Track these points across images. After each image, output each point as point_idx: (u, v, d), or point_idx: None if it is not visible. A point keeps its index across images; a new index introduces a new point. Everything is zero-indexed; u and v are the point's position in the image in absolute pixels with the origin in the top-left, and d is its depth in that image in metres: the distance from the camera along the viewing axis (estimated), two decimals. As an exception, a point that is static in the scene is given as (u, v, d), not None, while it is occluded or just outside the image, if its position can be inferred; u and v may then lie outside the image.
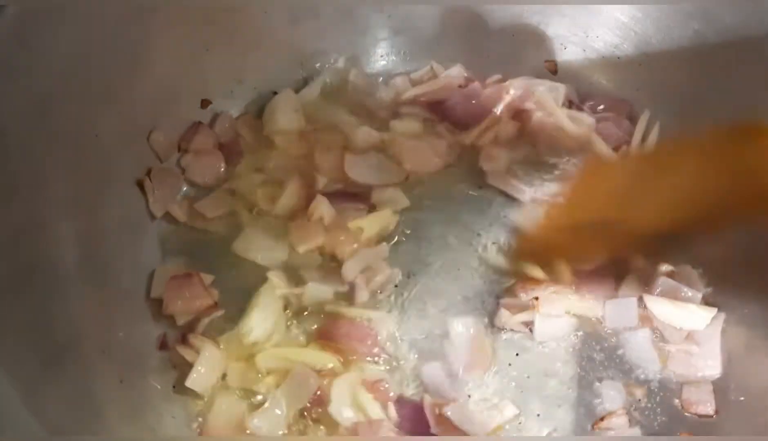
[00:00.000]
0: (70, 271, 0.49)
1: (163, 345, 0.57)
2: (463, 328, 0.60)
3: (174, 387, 0.56)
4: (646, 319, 0.63)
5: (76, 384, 0.43)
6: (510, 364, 0.59)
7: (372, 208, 0.65)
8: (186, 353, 0.55)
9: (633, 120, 0.72)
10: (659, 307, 0.61)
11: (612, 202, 0.61)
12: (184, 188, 0.66)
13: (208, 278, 0.61)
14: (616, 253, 0.65)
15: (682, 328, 0.61)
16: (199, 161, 0.66)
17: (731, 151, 0.56)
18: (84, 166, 0.53)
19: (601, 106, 0.74)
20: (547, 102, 0.72)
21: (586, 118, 0.72)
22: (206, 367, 0.55)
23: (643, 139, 0.71)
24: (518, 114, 0.73)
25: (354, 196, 0.65)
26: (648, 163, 0.64)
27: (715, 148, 0.57)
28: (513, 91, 0.73)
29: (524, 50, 0.75)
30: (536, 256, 0.64)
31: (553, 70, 0.75)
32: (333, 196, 0.64)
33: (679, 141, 0.65)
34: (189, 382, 0.55)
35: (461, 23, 0.74)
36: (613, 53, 0.72)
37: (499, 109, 0.72)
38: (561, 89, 0.74)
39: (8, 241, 0.43)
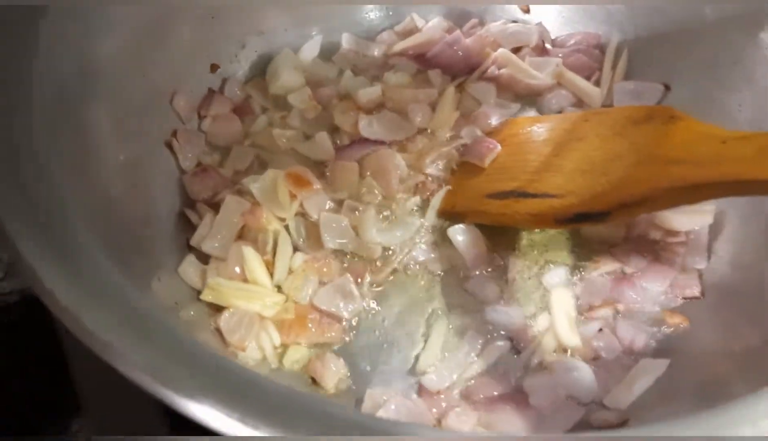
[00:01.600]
0: (124, 215, 0.56)
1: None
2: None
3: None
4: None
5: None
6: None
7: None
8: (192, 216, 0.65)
9: (603, 51, 0.81)
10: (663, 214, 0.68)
11: (529, 170, 0.67)
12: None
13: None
14: (540, 226, 0.68)
15: (681, 231, 0.67)
16: (218, 125, 0.73)
17: (642, 131, 0.61)
18: (124, 124, 0.60)
19: (572, 41, 0.82)
20: (510, 60, 0.79)
21: (552, 60, 0.80)
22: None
23: (614, 66, 0.80)
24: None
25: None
26: (564, 130, 0.69)
27: (628, 124, 0.63)
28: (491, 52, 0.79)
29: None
30: (456, 216, 0.70)
31: (525, 10, 0.84)
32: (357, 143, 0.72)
33: (594, 113, 0.72)
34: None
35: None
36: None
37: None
38: (533, 30, 0.82)
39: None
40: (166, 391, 0.30)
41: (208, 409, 0.30)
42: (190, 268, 0.62)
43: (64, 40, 0.52)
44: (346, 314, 0.63)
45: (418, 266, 0.68)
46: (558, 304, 0.65)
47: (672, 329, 0.64)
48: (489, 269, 0.67)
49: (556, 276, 0.67)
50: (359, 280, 0.65)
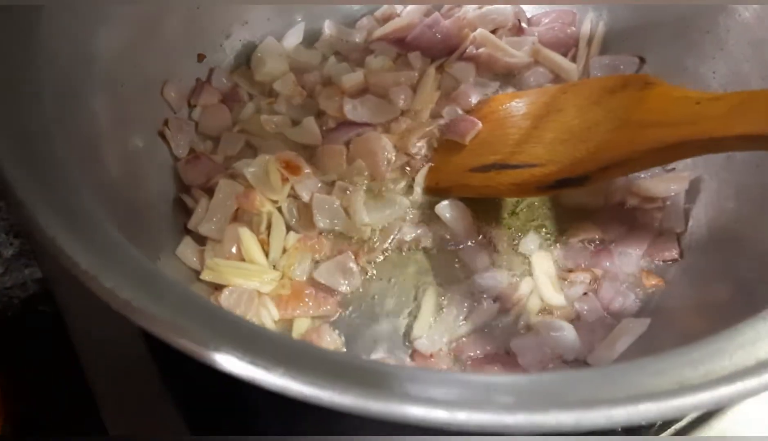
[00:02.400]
0: (125, 203, 0.60)
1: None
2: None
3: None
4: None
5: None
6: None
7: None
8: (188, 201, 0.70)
9: (578, 27, 0.85)
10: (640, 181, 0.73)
11: (509, 143, 0.71)
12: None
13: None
14: (522, 195, 0.74)
15: (658, 197, 0.72)
16: (208, 115, 0.78)
17: (618, 98, 0.64)
18: (121, 114, 0.64)
19: (548, 19, 0.87)
20: (488, 39, 0.84)
21: (528, 39, 0.85)
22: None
23: (589, 41, 0.84)
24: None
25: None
26: (543, 103, 0.73)
27: (604, 93, 0.67)
28: (470, 33, 0.84)
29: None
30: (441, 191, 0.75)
31: (501, -7, 0.88)
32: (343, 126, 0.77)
33: (572, 85, 0.77)
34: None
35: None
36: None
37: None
38: (509, 10, 0.86)
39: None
40: (183, 341, 0.35)
41: (222, 355, 0.34)
42: (187, 249, 0.67)
43: (63, 34, 0.56)
44: (344, 289, 0.68)
45: (408, 244, 0.72)
46: (538, 265, 0.70)
47: (652, 290, 0.69)
48: (478, 240, 0.72)
49: (531, 243, 0.72)
50: (355, 257, 0.70)
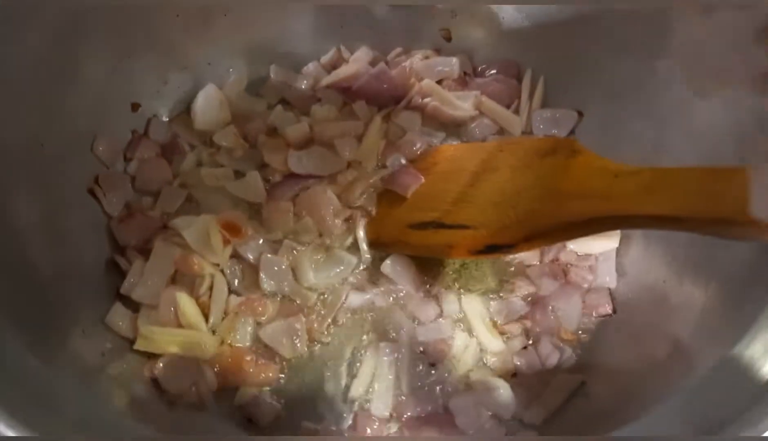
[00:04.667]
0: (41, 271, 0.58)
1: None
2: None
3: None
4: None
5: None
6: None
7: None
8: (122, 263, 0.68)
9: (521, 79, 0.88)
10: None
11: (448, 200, 0.72)
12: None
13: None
14: (455, 256, 0.73)
15: (591, 254, 0.75)
16: (146, 169, 0.76)
17: (548, 164, 0.65)
18: (36, 176, 0.61)
19: (493, 70, 0.89)
20: (434, 90, 0.86)
21: (471, 93, 0.86)
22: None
23: (531, 95, 0.87)
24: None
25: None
26: (480, 160, 0.75)
27: (536, 157, 0.68)
28: (416, 83, 0.85)
29: (421, 22, 0.89)
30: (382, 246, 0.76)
31: (447, 38, 0.90)
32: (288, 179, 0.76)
33: (508, 143, 0.78)
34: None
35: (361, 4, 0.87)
36: (497, 15, 0.85)
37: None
38: (455, 62, 0.88)
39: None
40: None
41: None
42: (117, 317, 0.65)
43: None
44: (288, 354, 0.68)
45: (354, 309, 0.73)
46: (471, 311, 0.72)
47: (586, 345, 0.72)
48: (422, 294, 0.74)
49: (453, 303, 0.74)
50: (308, 331, 0.69)
